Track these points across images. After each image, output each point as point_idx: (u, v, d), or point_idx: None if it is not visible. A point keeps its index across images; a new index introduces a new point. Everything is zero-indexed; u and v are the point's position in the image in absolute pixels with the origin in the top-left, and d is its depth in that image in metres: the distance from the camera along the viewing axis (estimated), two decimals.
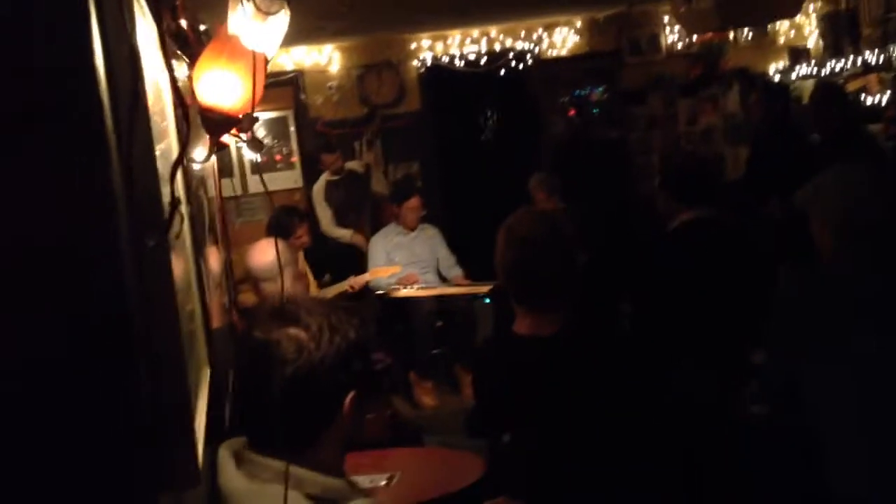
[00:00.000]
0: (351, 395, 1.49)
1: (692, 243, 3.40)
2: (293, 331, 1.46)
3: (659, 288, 3.40)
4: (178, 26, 2.09)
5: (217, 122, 1.85)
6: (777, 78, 8.40)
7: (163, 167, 1.41)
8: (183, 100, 1.28)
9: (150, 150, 1.11)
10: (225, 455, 1.52)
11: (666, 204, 3.63)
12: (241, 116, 1.89)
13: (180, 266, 1.44)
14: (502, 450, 2.58)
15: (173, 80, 1.26)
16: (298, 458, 1.47)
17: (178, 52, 2.23)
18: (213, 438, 1.75)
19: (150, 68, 1.45)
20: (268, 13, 1.41)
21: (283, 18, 1.46)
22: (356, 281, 5.90)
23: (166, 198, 1.16)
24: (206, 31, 2.57)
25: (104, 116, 0.91)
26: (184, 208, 1.95)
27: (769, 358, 2.85)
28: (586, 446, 2.36)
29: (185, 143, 1.08)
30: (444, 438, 3.67)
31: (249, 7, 1.42)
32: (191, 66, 2.33)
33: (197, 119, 1.95)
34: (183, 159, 1.27)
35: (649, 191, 8.27)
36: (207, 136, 2.05)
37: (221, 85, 1.83)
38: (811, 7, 8.37)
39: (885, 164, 5.25)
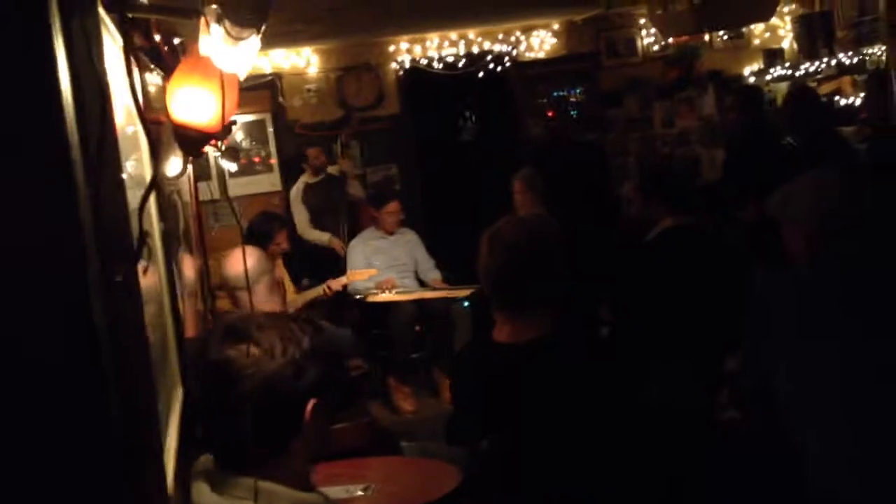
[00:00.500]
0: (311, 403, 1.50)
1: (674, 252, 3.43)
2: (244, 347, 1.47)
3: (640, 296, 3.43)
4: (152, 41, 2.09)
5: (191, 139, 1.85)
6: (752, 80, 8.47)
7: (132, 183, 1.41)
8: (147, 124, 1.28)
9: (120, 182, 1.12)
10: (197, 475, 1.53)
11: (643, 209, 3.66)
12: (215, 131, 1.90)
13: (151, 280, 1.44)
14: (480, 456, 2.59)
15: (138, 106, 1.26)
16: (268, 472, 1.48)
17: (152, 66, 2.22)
18: (186, 457, 1.75)
19: (120, 85, 1.45)
20: (238, 38, 1.41)
21: (253, 42, 1.46)
22: (332, 284, 5.90)
23: (135, 226, 1.16)
24: (181, 43, 2.56)
25: (71, 148, 0.91)
26: (155, 224, 1.95)
27: (743, 362, 2.87)
28: (564, 453, 2.38)
29: (154, 175, 1.07)
30: (423, 445, 3.68)
31: (220, 31, 1.42)
32: (166, 78, 2.33)
33: (170, 135, 1.95)
34: (152, 188, 1.27)
35: (626, 193, 8.31)
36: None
37: (194, 102, 1.83)
38: (785, 9, 8.44)
39: (857, 168, 5.30)
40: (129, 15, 1.26)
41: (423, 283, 6.53)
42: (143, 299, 1.22)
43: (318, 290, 5.92)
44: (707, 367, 3.25)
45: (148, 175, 1.85)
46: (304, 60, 7.70)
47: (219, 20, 1.40)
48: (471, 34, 8.00)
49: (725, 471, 2.83)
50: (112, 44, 1.45)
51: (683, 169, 5.42)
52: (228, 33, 1.41)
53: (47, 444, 1.01)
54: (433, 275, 6.52)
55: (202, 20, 1.42)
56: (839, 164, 5.12)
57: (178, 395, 1.81)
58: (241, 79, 1.53)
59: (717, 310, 3.29)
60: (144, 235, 1.13)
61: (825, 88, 7.91)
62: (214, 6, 1.41)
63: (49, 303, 0.93)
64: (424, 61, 7.96)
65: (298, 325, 1.54)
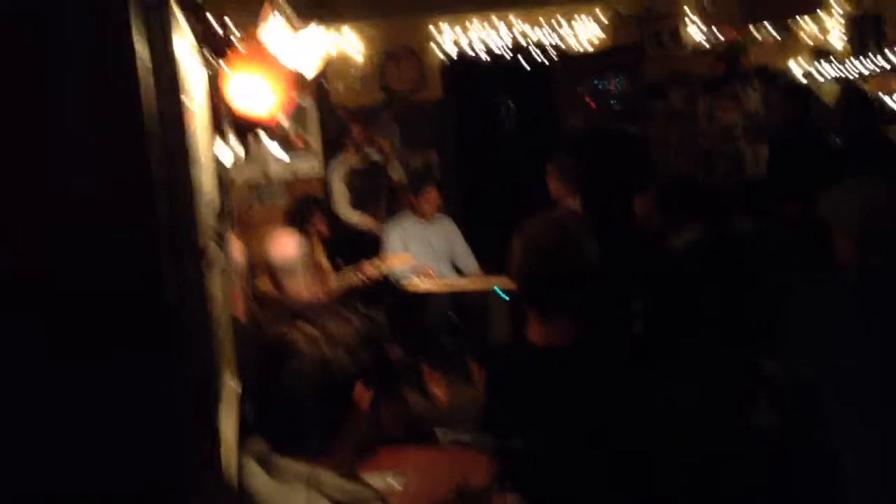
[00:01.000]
0: (358, 385, 1.53)
1: (705, 263, 3.41)
2: (305, 327, 1.51)
3: (673, 307, 3.41)
4: (205, 23, 2.11)
5: (247, 127, 1.88)
6: (799, 77, 8.36)
7: (196, 176, 1.44)
8: (218, 114, 1.29)
9: (192, 193, 1.14)
10: (249, 458, 1.56)
11: (663, 221, 3.64)
12: (271, 121, 1.92)
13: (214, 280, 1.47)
14: (512, 453, 2.60)
15: (211, 96, 1.28)
16: (319, 457, 1.51)
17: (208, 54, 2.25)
18: (239, 441, 1.78)
19: (188, 72, 1.47)
20: (299, 27, 1.42)
21: (313, 33, 1.48)
22: (367, 270, 5.91)
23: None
24: (231, 26, 2.58)
25: (150, 143, 0.94)
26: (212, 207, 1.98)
27: (782, 367, 2.86)
28: (595, 456, 2.38)
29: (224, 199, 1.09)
30: (457, 436, 3.69)
31: (281, 20, 1.44)
32: (217, 59, 2.35)
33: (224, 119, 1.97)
34: (224, 207, 1.29)
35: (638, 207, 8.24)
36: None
37: (253, 91, 1.85)
38: (835, 5, 8.31)
39: None
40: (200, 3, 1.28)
41: (458, 272, 6.52)
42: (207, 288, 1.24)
43: (354, 278, 5.94)
44: (741, 371, 3.24)
45: (203, 156, 1.88)
46: (347, 44, 7.72)
47: (280, 10, 1.42)
48: (511, 16, 7.94)
49: (763, 475, 2.83)
50: (175, 30, 1.47)
51: (695, 179, 5.41)
52: (290, 23, 1.43)
53: (115, 418, 1.05)
54: (470, 264, 6.50)
55: (264, 8, 1.44)
56: (887, 165, 5.06)
57: (231, 376, 1.84)
58: (309, 79, 1.55)
59: (753, 314, 3.27)
60: (217, 235, 1.15)
61: (873, 87, 7.79)
62: None
63: (128, 293, 0.96)
64: (468, 48, 7.93)
65: (353, 314, 1.58)
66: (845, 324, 2.45)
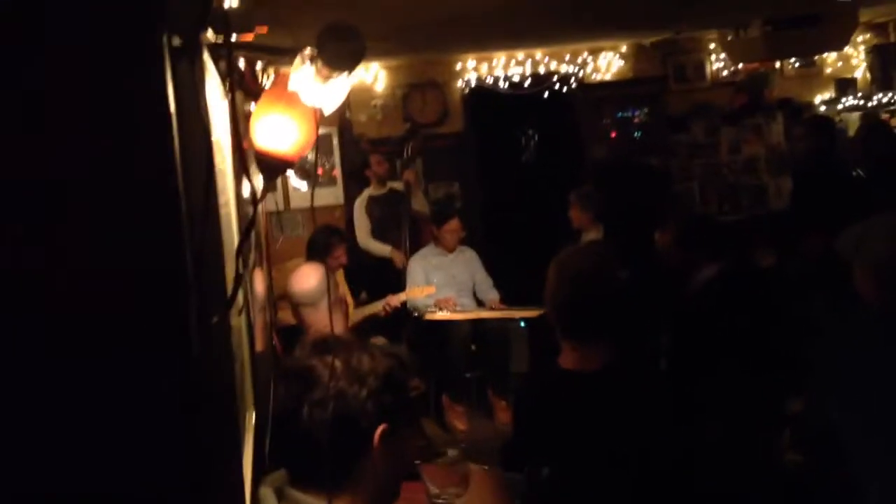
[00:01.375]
0: (381, 427, 1.51)
1: (724, 302, 3.40)
2: (329, 359, 1.50)
3: (697, 339, 3.40)
4: (236, 67, 2.15)
5: (272, 166, 1.90)
6: (823, 109, 8.34)
7: (224, 212, 1.46)
8: (244, 158, 1.32)
9: (218, 233, 1.17)
10: (267, 492, 1.56)
11: (682, 259, 3.64)
12: (295, 159, 1.95)
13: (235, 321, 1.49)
14: (541, 483, 2.59)
15: (238, 140, 1.30)
16: (336, 493, 1.50)
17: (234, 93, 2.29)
18: (255, 475, 1.80)
19: (215, 111, 1.50)
20: (328, 78, 1.45)
21: (343, 80, 1.50)
22: (391, 301, 5.93)
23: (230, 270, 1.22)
24: (263, 69, 2.63)
25: (180, 205, 0.96)
26: (235, 243, 2.00)
27: (807, 405, 2.84)
28: (625, 484, 2.37)
29: (252, 219, 1.11)
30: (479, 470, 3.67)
31: (312, 70, 1.47)
32: (248, 100, 2.39)
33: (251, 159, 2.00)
34: (248, 235, 1.31)
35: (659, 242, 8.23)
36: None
37: (278, 130, 1.88)
38: (859, 38, 8.30)
39: None
40: (233, 53, 1.31)
41: (480, 303, 6.53)
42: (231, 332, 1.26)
43: (376, 307, 5.96)
44: (768, 407, 3.21)
45: (230, 195, 1.90)
46: (371, 76, 7.79)
47: (312, 60, 1.45)
48: (538, 54, 8.01)
49: None
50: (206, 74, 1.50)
51: (714, 219, 5.40)
52: (319, 73, 1.46)
53: (143, 455, 1.07)
54: (492, 294, 6.51)
55: (297, 58, 1.47)
56: None
57: (251, 416, 1.86)
58: (327, 114, 1.57)
59: (775, 350, 3.25)
60: (240, 278, 1.17)
61: None
62: (309, 49, 1.45)
63: (152, 341, 0.98)
64: (490, 80, 7.98)
65: (383, 353, 1.58)
66: (869, 363, 2.43)
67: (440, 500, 2.00)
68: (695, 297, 3.59)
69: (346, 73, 1.49)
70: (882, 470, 2.31)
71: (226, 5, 1.47)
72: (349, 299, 5.85)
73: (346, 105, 7.78)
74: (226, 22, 1.07)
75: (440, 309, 6.15)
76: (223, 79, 1.80)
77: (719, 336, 3.31)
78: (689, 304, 3.66)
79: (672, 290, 3.94)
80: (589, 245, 4.95)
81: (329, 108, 1.55)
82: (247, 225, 1.41)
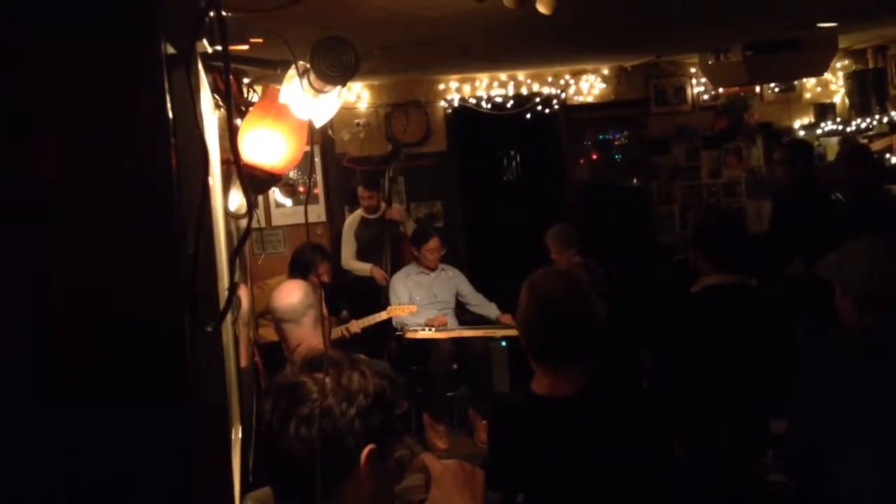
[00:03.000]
0: (368, 448, 1.48)
1: (711, 311, 3.40)
2: (319, 376, 1.48)
3: (679, 354, 3.40)
4: (234, 76, 2.15)
5: (259, 180, 1.90)
6: (802, 133, 8.44)
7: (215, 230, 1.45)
8: (242, 174, 1.31)
9: (212, 248, 1.16)
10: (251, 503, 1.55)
11: (698, 262, 3.64)
12: (283, 173, 1.95)
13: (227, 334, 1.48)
14: None
15: (236, 155, 1.28)
16: None
17: (222, 105, 2.28)
18: (241, 491, 1.78)
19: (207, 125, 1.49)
20: (320, 91, 1.45)
21: (334, 95, 1.50)
22: (351, 327, 5.89)
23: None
24: (250, 83, 2.62)
25: (175, 221, 0.95)
26: (224, 254, 1.99)
27: (790, 426, 2.84)
28: None
29: (247, 231, 1.10)
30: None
31: (304, 82, 1.46)
32: (235, 116, 2.38)
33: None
34: (242, 245, 1.30)
35: (669, 241, 8.29)
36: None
37: (266, 144, 1.87)
38: (838, 64, 8.42)
39: None
40: (222, 65, 1.30)
41: (463, 322, 6.52)
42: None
43: (340, 330, 5.91)
44: (750, 427, 3.21)
45: (218, 209, 1.89)
46: (354, 95, 7.80)
47: (304, 73, 1.44)
48: (520, 76, 8.06)
49: None
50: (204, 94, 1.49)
51: (734, 225, 5.36)
52: (312, 86, 1.45)
53: (134, 461, 1.06)
54: (492, 310, 6.48)
55: (288, 71, 1.46)
56: (890, 228, 5.08)
57: (238, 431, 1.84)
58: (318, 127, 1.57)
59: (758, 370, 3.26)
60: (234, 287, 1.16)
61: (877, 146, 7.86)
62: (301, 62, 1.45)
63: (146, 353, 0.97)
64: (473, 100, 8.02)
65: (374, 373, 1.54)
66: (850, 383, 2.44)
67: None
68: (683, 306, 3.59)
69: (338, 87, 1.48)
70: (869, 485, 2.31)
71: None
72: (326, 315, 5.81)
73: (329, 123, 7.76)
74: (223, 30, 1.06)
75: (429, 328, 6.12)
76: (213, 90, 1.80)
77: (707, 348, 3.31)
78: (677, 311, 3.66)
79: (660, 304, 3.95)
80: (560, 267, 4.90)
81: (320, 122, 1.55)
82: (242, 236, 1.39)
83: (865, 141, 7.99)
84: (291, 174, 7.43)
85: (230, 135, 1.25)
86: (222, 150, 2.29)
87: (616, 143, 8.89)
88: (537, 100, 8.09)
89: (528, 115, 8.10)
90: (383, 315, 6.07)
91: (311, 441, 1.44)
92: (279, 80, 1.58)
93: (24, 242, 0.98)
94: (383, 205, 7.00)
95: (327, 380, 1.47)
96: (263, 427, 1.55)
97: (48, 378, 1.00)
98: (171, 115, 0.99)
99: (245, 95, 2.64)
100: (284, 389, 1.50)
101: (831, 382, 2.47)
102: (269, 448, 1.54)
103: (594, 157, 8.83)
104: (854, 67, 8.46)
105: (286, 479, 1.50)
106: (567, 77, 8.18)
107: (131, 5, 0.98)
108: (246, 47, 1.54)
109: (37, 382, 1.00)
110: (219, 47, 1.18)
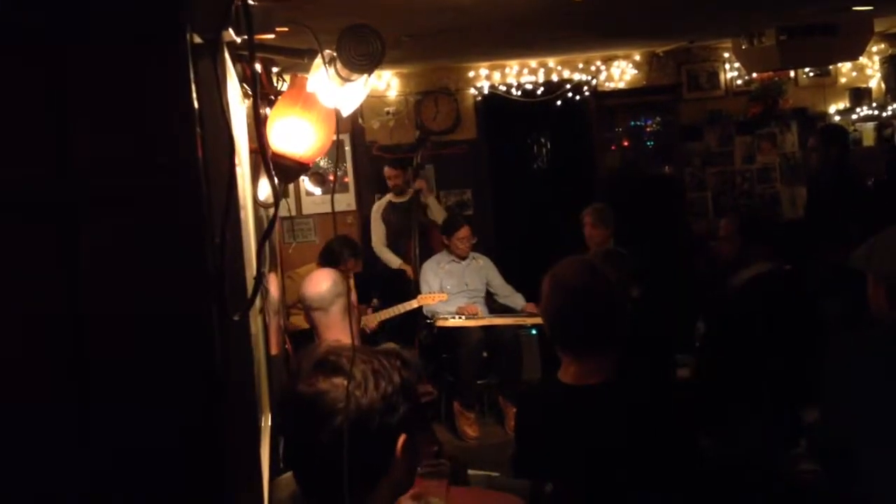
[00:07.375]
0: (402, 438, 1.49)
1: (768, 300, 3.37)
2: (338, 380, 1.45)
3: (722, 343, 3.37)
4: (261, 65, 2.15)
5: (287, 169, 1.90)
6: (837, 118, 8.32)
7: (242, 215, 1.46)
8: (269, 164, 1.31)
9: (240, 238, 1.16)
10: (283, 500, 1.54)
11: (739, 250, 3.61)
12: (311, 162, 1.95)
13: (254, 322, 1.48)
14: (544, 499, 2.57)
15: (262, 144, 1.29)
16: None
17: (249, 93, 2.29)
18: (270, 476, 1.79)
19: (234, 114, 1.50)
20: (347, 80, 1.45)
21: (361, 82, 1.50)
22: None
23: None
24: (279, 72, 2.63)
25: (203, 213, 0.96)
26: (252, 245, 2.01)
27: (821, 416, 2.81)
28: (626, 499, 2.34)
29: (273, 220, 1.10)
30: (489, 476, 3.66)
31: (331, 70, 1.46)
32: (264, 105, 2.39)
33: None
34: (268, 235, 1.31)
35: (702, 228, 8.21)
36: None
37: (295, 133, 1.87)
38: (874, 48, 8.28)
39: None
40: (251, 55, 1.31)
41: (493, 309, 6.51)
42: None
43: (394, 311, 5.95)
44: (782, 416, 3.18)
45: (247, 198, 1.90)
46: (383, 83, 7.80)
47: (331, 61, 1.44)
48: (550, 62, 8.01)
49: None
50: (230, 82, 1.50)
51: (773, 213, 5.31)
52: (339, 74, 1.45)
53: (167, 460, 1.07)
54: (519, 300, 6.48)
55: (315, 59, 1.46)
56: None
57: (267, 419, 1.85)
58: (345, 115, 1.57)
59: (793, 360, 3.23)
60: (260, 277, 1.17)
61: None
62: (328, 51, 1.45)
63: (175, 343, 0.98)
64: (503, 88, 7.99)
65: (388, 359, 1.54)
66: (882, 373, 2.40)
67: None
68: (730, 299, 3.56)
69: (365, 75, 1.48)
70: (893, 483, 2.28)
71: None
72: (356, 304, 5.84)
73: (359, 112, 7.78)
74: (249, 19, 1.06)
75: (460, 316, 6.12)
76: (241, 80, 1.80)
77: (749, 337, 3.28)
78: (722, 305, 3.63)
79: (705, 293, 3.92)
80: (583, 257, 4.87)
81: (347, 110, 1.55)
82: (268, 225, 1.40)
83: None
84: (322, 163, 7.46)
85: (256, 124, 1.25)
86: (252, 139, 2.30)
87: (648, 129, 8.81)
88: (568, 86, 8.04)
89: (559, 102, 8.06)
90: (414, 303, 6.08)
91: (342, 450, 1.41)
92: (308, 69, 1.59)
93: (59, 242, 0.99)
94: (410, 188, 6.98)
95: (347, 382, 1.43)
96: (291, 444, 1.52)
97: (85, 376, 1.00)
98: (196, 105, 0.99)
99: (275, 85, 2.65)
100: (306, 402, 1.45)
101: (856, 379, 2.43)
102: (299, 455, 1.52)
103: (625, 144, 8.75)
104: (890, 51, 8.31)
105: (318, 483, 1.48)
106: (598, 63, 8.12)
107: None
108: (272, 36, 1.54)
109: (73, 380, 1.01)
110: (245, 37, 1.18)
